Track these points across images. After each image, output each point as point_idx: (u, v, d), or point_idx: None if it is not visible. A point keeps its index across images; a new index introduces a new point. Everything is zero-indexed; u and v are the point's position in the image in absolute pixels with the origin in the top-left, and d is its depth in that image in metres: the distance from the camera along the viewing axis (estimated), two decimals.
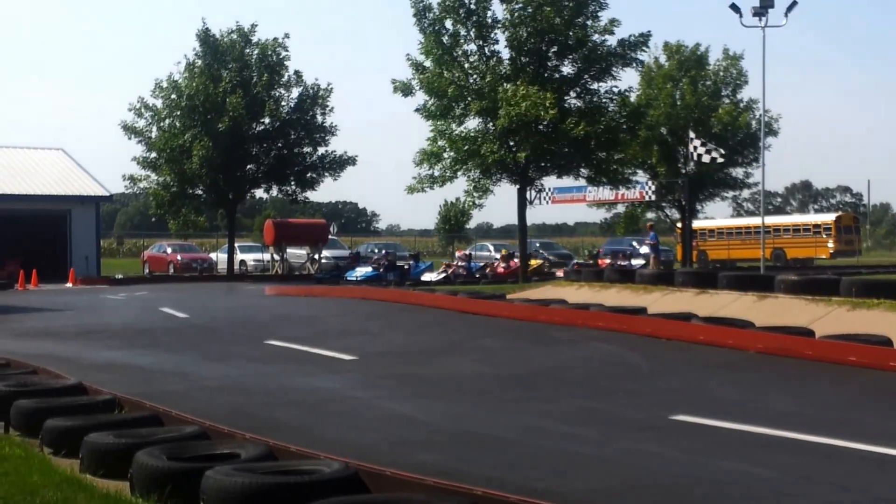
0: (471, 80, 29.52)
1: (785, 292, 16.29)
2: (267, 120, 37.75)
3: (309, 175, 38.73)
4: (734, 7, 28.40)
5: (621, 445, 7.70)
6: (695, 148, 30.50)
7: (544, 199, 35.44)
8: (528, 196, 31.20)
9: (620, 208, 42.29)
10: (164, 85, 36.91)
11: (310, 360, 13.38)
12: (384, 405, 9.72)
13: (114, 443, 6.98)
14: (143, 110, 37.15)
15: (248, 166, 38.11)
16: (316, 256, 39.84)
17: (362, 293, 23.73)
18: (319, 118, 38.39)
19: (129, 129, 37.17)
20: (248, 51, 37.19)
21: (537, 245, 50.57)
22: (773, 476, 6.59)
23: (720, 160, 31.64)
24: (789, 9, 28.27)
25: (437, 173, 29.89)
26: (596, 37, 29.72)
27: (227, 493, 5.45)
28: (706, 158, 30.75)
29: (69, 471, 6.85)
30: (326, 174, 38.87)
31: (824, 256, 49.16)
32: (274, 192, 40.67)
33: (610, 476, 6.74)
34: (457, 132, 29.75)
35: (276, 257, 40.13)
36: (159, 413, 8.06)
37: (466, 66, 29.77)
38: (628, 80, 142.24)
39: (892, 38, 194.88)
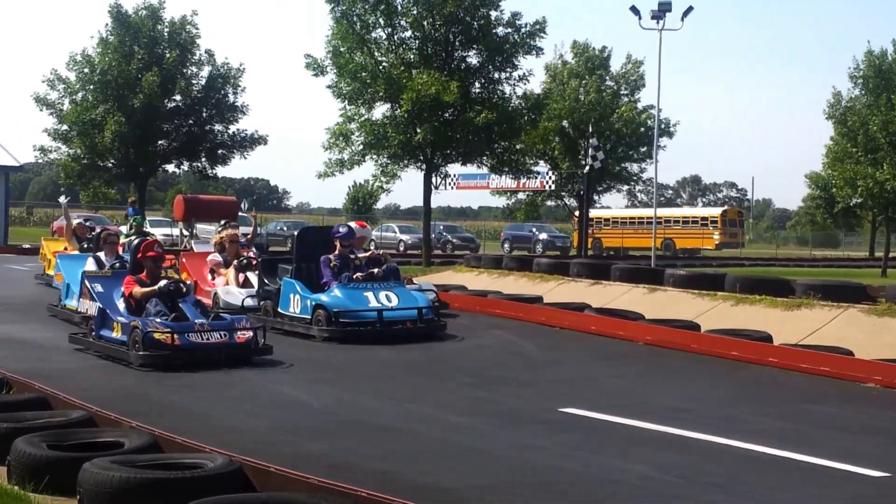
0: (381, 67, 29.60)
1: (674, 286, 16.71)
2: (178, 97, 38.07)
3: (220, 152, 39.20)
4: (634, 9, 29.36)
5: (510, 439, 7.76)
6: (595, 148, 32.13)
7: (449, 184, 36.03)
8: (433, 181, 31.58)
9: (522, 196, 43.04)
10: (79, 58, 36.96)
11: None
12: (281, 390, 9.77)
13: None
14: (56, 82, 37.14)
15: (160, 142, 38.43)
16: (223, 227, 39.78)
17: None
18: (231, 97, 38.93)
19: (41, 101, 37.16)
20: (158, 27, 37.39)
21: (441, 228, 50.84)
22: (653, 474, 6.66)
23: (598, 165, 33.47)
24: (685, 13, 29.35)
25: (346, 157, 30.16)
26: (500, 29, 30.20)
27: (103, 486, 5.32)
28: (596, 164, 32.93)
29: None
30: (237, 152, 39.35)
31: (710, 247, 50.84)
32: (185, 167, 40.97)
33: (497, 471, 6.73)
34: (365, 117, 29.94)
35: (186, 232, 39.79)
36: (47, 395, 7.90)
37: (377, 53, 29.89)
38: (529, 68, 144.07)
39: (778, 44, 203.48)
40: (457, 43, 30.27)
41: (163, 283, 11.31)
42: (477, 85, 30.80)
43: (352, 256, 13.83)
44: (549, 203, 45.15)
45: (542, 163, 39.44)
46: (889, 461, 7.05)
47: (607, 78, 40.60)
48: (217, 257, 16.39)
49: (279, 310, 13.88)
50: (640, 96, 41.48)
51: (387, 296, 13.26)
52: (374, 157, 30.16)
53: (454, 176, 34.93)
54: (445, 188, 34.44)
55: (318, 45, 66.47)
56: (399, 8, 29.88)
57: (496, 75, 30.75)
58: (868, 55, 38.02)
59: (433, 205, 32.46)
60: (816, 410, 9.20)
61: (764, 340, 12.19)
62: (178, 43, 37.43)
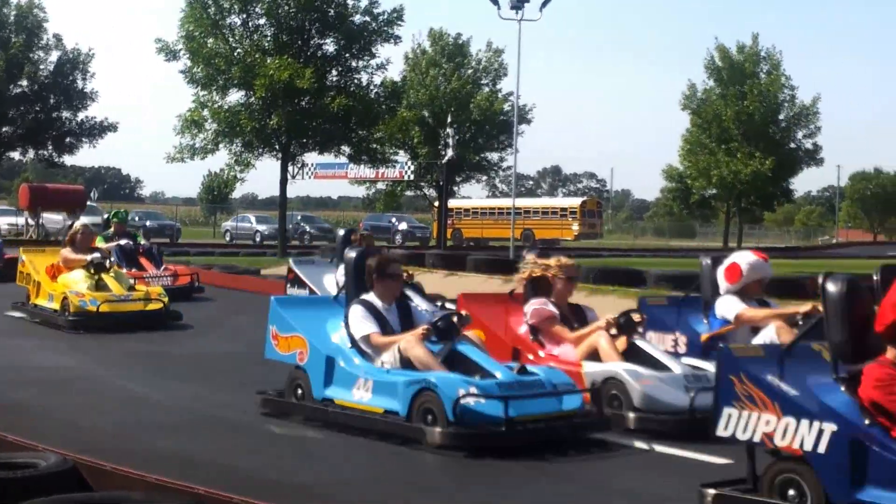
0: (235, 53, 28.95)
1: None
2: (25, 83, 37.16)
3: (67, 140, 38.20)
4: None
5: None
6: (451, 137, 32.50)
7: (307, 174, 35.72)
8: (289, 171, 31.16)
9: (382, 185, 42.98)
10: None
11: (53, 335, 12.84)
12: (127, 386, 9.48)
13: None
14: None
15: (4, 128, 37.35)
16: (72, 223, 38.99)
17: None
18: (80, 83, 38.03)
19: None
20: (5, 11, 36.46)
21: (298, 218, 50.34)
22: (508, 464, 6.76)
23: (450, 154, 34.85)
24: (544, 4, 29.62)
25: (198, 144, 29.32)
26: (357, 17, 29.96)
27: None
28: (449, 153, 33.56)
29: None
30: (85, 140, 38.40)
31: (570, 238, 51.86)
32: (31, 155, 40.12)
33: (355, 467, 6.70)
34: (219, 104, 29.18)
35: (31, 222, 39.05)
36: None
37: (231, 39, 29.22)
38: (387, 56, 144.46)
39: (636, 36, 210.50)
40: (313, 30, 29.92)
41: None
42: (334, 72, 30.50)
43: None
44: (408, 193, 45.28)
45: (401, 152, 39.49)
46: (731, 448, 7.27)
47: (466, 66, 40.81)
48: (546, 306, 8.45)
49: None
50: (502, 86, 41.85)
51: None
52: (228, 145, 29.50)
53: (312, 165, 34.63)
54: (303, 177, 34.22)
55: (171, 28, 65.39)
56: None
57: (353, 63, 30.54)
58: (720, 49, 39.50)
59: (292, 195, 32.34)
60: None
61: None
62: (25, 27, 36.54)
